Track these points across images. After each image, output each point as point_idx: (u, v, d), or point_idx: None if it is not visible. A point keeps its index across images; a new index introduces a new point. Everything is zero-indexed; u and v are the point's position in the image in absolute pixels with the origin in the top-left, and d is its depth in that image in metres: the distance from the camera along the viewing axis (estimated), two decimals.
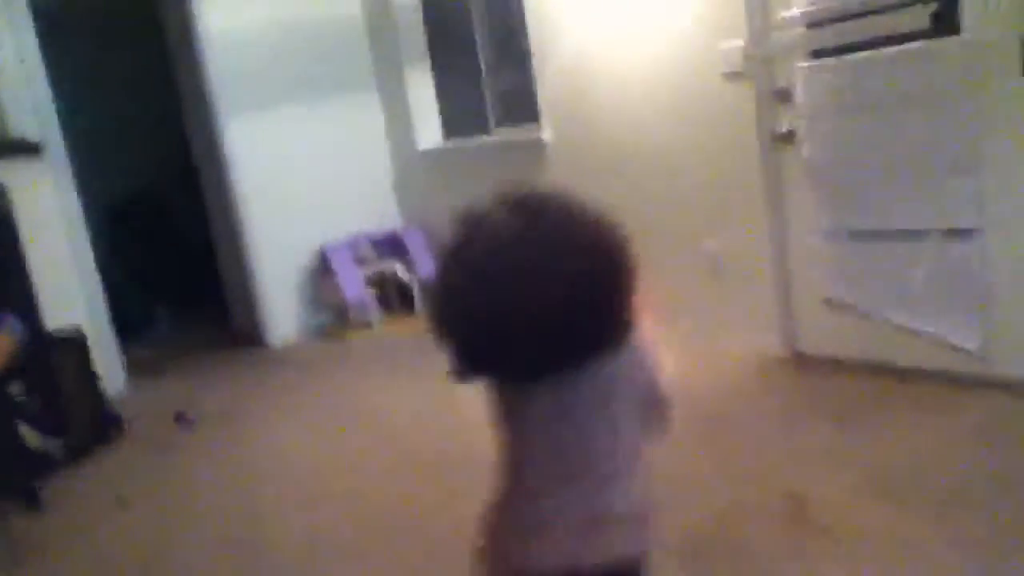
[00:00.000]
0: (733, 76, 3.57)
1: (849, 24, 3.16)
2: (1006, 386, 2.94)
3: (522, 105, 4.86)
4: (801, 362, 3.61)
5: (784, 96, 3.43)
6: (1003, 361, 2.98)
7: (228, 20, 5.19)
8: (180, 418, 4.18)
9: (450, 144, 5.61)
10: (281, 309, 5.56)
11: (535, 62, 4.56)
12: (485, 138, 5.24)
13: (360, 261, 5.58)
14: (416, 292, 5.58)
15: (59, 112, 4.76)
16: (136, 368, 5.12)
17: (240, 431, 4.00)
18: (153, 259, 6.79)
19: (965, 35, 2.85)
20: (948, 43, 2.89)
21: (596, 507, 1.27)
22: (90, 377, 4.13)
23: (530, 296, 1.13)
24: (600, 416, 1.28)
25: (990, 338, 2.99)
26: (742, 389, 3.43)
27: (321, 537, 2.79)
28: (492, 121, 5.22)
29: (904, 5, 2.96)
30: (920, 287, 3.14)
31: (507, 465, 1.33)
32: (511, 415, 1.31)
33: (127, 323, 5.37)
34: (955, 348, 3.08)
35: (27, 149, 4.50)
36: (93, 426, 4.03)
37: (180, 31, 5.29)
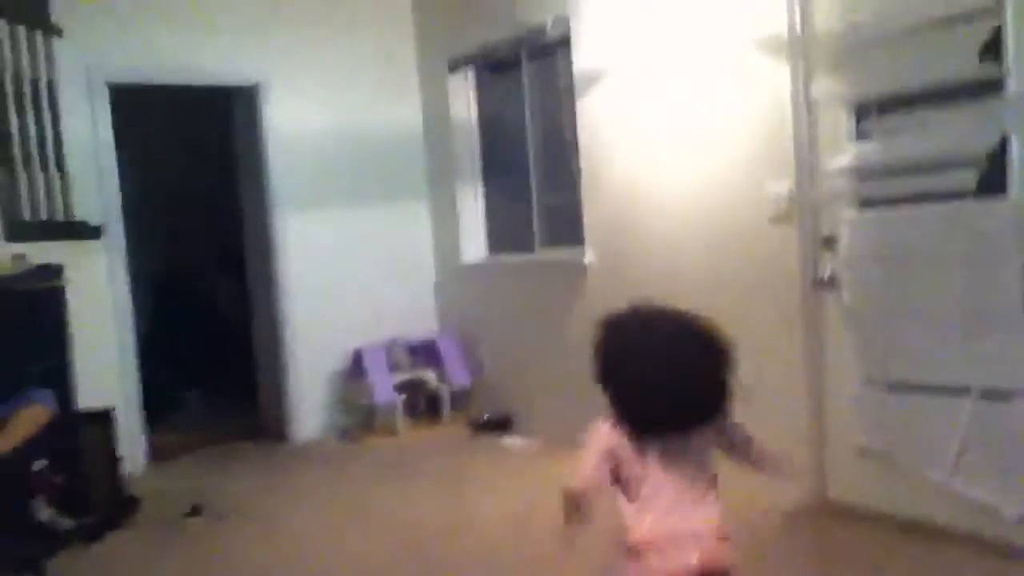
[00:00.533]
0: (778, 218, 3.61)
1: (895, 179, 3.20)
2: None
3: (568, 226, 4.93)
4: (831, 512, 3.49)
5: (828, 243, 3.44)
6: None
7: (294, 119, 5.43)
8: (195, 509, 4.14)
9: (494, 259, 5.70)
10: (309, 405, 5.57)
11: (584, 186, 4.67)
12: (529, 256, 5.31)
13: (394, 366, 5.60)
14: (445, 400, 5.57)
15: (122, 192, 4.94)
16: (158, 450, 5.12)
17: (253, 526, 3.94)
18: (190, 341, 6.88)
19: (1012, 196, 2.86)
20: (994, 204, 2.91)
21: (704, 520, 1.84)
22: (113, 458, 4.14)
23: (693, 374, 1.81)
24: (704, 459, 1.89)
25: None
26: (770, 540, 3.31)
27: None
28: (537, 239, 5.30)
29: (952, 166, 3.00)
30: (958, 446, 3.06)
31: (634, 495, 1.84)
32: (641, 458, 1.83)
33: (156, 403, 5.41)
34: (994, 514, 2.97)
35: (89, 233, 4.65)
36: (109, 507, 4.01)
37: (247, 124, 5.53)
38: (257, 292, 5.85)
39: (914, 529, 3.19)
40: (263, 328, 5.80)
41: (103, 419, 4.16)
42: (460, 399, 5.70)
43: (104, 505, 3.98)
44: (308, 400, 5.56)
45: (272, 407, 5.74)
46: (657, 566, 1.77)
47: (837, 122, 3.40)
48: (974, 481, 3.04)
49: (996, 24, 2.85)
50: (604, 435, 1.89)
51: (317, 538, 3.73)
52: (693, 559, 1.75)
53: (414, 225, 5.98)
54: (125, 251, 4.95)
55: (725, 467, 3.48)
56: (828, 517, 3.46)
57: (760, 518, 3.48)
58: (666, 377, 1.78)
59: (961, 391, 3.05)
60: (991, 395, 2.97)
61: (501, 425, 5.32)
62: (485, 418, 5.40)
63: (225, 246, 6.37)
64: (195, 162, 6.87)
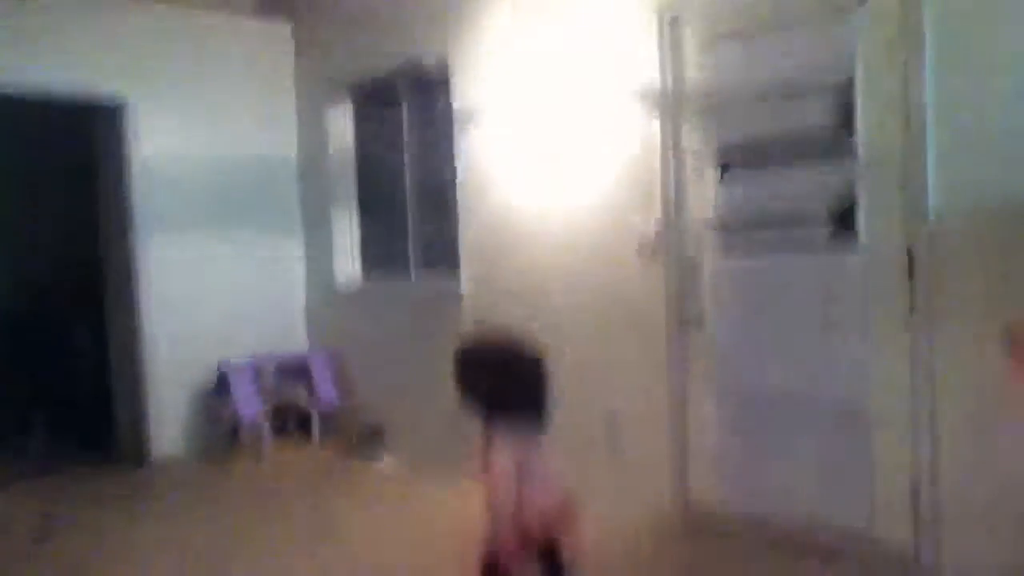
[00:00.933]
0: (646, 256, 3.87)
1: (755, 229, 3.51)
2: (887, 558, 3.15)
3: (444, 253, 5.07)
4: (693, 525, 3.75)
5: (693, 282, 3.72)
6: (886, 534, 3.19)
7: (163, 142, 5.34)
8: (44, 534, 3.98)
9: (368, 284, 5.75)
10: (169, 426, 5.42)
11: (461, 218, 4.82)
12: (404, 282, 5.40)
13: (261, 384, 5.54)
14: (315, 421, 5.55)
15: None
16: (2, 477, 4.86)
17: (98, 556, 3.79)
18: (35, 363, 6.53)
19: (860, 250, 3.21)
20: (844, 257, 3.25)
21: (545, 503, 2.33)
22: None
23: (526, 374, 2.37)
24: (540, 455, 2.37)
25: (875, 513, 3.21)
26: (634, 554, 3.51)
27: None
28: (412, 266, 5.40)
29: (806, 220, 3.33)
30: (813, 464, 3.39)
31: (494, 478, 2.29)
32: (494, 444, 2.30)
33: None
34: (843, 520, 3.29)
35: None
36: None
37: (110, 144, 5.37)
38: (115, 313, 5.65)
39: (771, 540, 3.47)
40: (119, 349, 5.60)
41: None
42: (331, 420, 5.69)
43: None
44: (170, 420, 5.41)
45: (129, 430, 5.54)
46: (512, 534, 2.28)
47: (703, 171, 3.69)
48: (827, 491, 3.36)
49: (847, 99, 3.21)
50: (502, 466, 2.29)
51: (178, 567, 3.64)
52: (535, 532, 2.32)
53: (286, 247, 5.97)
54: None
55: (596, 477, 3.63)
56: (690, 532, 3.73)
57: (628, 536, 3.68)
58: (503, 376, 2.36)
59: (815, 415, 3.38)
60: (843, 421, 3.30)
61: (370, 447, 5.34)
62: (353, 440, 5.41)
63: (83, 267, 6.10)
64: (50, 181, 6.58)
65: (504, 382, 2.35)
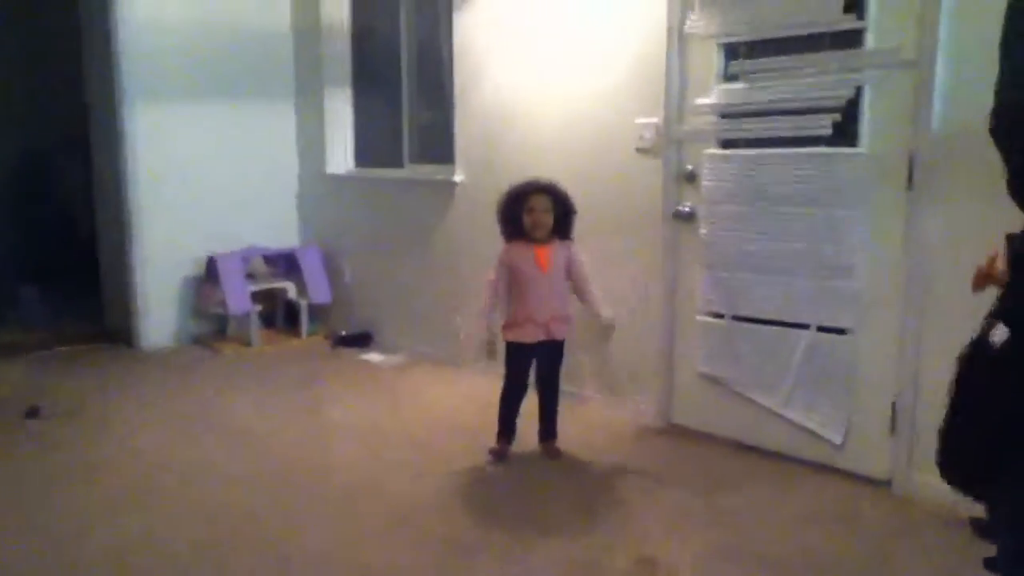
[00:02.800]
0: (645, 151, 3.71)
1: (758, 120, 3.33)
2: (857, 478, 3.13)
3: (439, 143, 4.90)
4: (675, 433, 3.72)
5: (690, 178, 3.58)
6: (857, 455, 3.15)
7: (154, 7, 5.08)
8: (33, 409, 3.95)
9: (360, 172, 5.59)
10: (158, 311, 5.35)
11: (456, 104, 4.62)
12: (397, 171, 5.24)
13: (250, 275, 5.45)
14: (304, 313, 5.48)
15: None
16: None
17: (92, 430, 3.80)
18: (26, 235, 6.45)
19: (861, 147, 3.05)
20: (845, 152, 3.09)
21: (556, 308, 3.31)
22: None
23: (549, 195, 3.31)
24: (562, 267, 3.32)
25: (851, 433, 3.16)
26: (615, 452, 3.50)
27: (135, 542, 2.67)
28: (407, 155, 5.23)
29: (810, 111, 3.15)
30: (793, 378, 3.30)
31: (511, 292, 3.30)
32: (527, 264, 3.27)
33: None
34: (819, 438, 3.24)
35: None
36: None
37: (98, 8, 5.13)
38: (103, 188, 5.51)
39: (749, 451, 3.46)
40: (109, 226, 5.50)
41: None
42: (320, 313, 5.63)
43: None
44: (158, 305, 5.34)
45: (118, 310, 5.49)
46: (522, 335, 3.29)
47: (708, 61, 3.50)
48: (805, 410, 3.30)
49: None
50: (504, 255, 3.31)
51: (163, 443, 3.64)
52: (541, 334, 3.30)
53: (278, 131, 5.78)
54: None
55: (583, 390, 3.64)
56: (672, 436, 3.68)
57: (611, 437, 3.67)
58: (532, 194, 3.29)
59: (798, 327, 3.28)
60: (825, 333, 3.20)
61: (361, 341, 5.30)
62: (343, 333, 5.36)
63: (69, 135, 5.94)
64: (44, 46, 6.36)
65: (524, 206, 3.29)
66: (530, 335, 3.29)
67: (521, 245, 3.29)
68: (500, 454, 3.39)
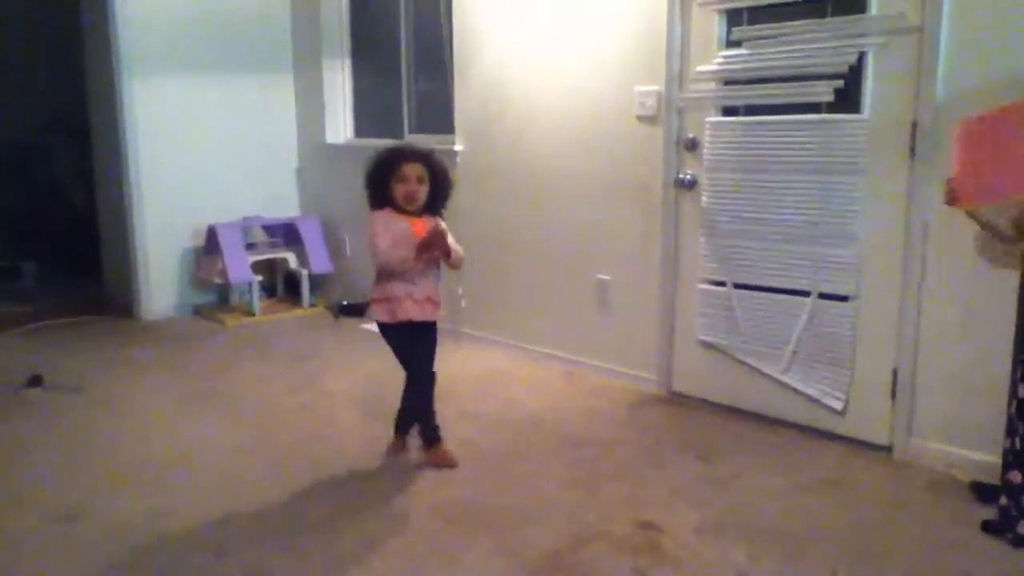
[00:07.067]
0: (646, 119, 3.69)
1: (759, 87, 3.31)
2: (857, 443, 3.15)
3: (439, 114, 4.87)
4: (675, 400, 3.73)
5: (691, 145, 3.56)
6: (857, 421, 3.17)
7: None
8: (35, 379, 3.96)
9: (360, 142, 5.56)
10: (160, 282, 5.36)
11: (456, 74, 4.59)
12: (397, 141, 5.20)
13: (251, 245, 5.45)
14: (305, 283, 5.48)
15: None
16: None
17: (97, 399, 3.82)
18: (27, 208, 6.44)
19: (864, 113, 3.04)
20: (848, 119, 3.08)
21: (426, 289, 2.91)
22: None
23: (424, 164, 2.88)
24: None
25: (851, 399, 3.18)
26: (616, 420, 3.52)
27: (135, 517, 2.68)
28: (407, 126, 5.20)
29: (812, 78, 3.13)
30: (794, 344, 3.31)
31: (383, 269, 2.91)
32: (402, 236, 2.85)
33: None
34: (819, 405, 3.26)
35: None
36: None
37: None
38: (103, 161, 5.49)
39: (750, 418, 3.48)
40: (109, 199, 5.48)
41: None
42: (320, 283, 5.63)
43: None
44: (159, 277, 5.35)
45: (119, 282, 5.50)
46: (391, 313, 2.89)
47: (709, 27, 3.47)
48: (805, 377, 3.31)
49: None
50: (383, 217, 2.86)
51: (166, 414, 3.65)
52: (411, 313, 2.88)
53: (277, 101, 5.75)
54: None
55: (584, 358, 3.62)
56: (672, 404, 3.70)
57: (612, 404, 3.68)
58: (405, 161, 2.86)
59: (799, 294, 3.28)
60: (826, 299, 3.21)
61: (363, 310, 5.30)
62: (345, 303, 5.36)
63: (66, 111, 5.90)
64: (41, 24, 6.31)
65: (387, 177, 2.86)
66: (413, 313, 2.88)
67: (394, 215, 2.86)
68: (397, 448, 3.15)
